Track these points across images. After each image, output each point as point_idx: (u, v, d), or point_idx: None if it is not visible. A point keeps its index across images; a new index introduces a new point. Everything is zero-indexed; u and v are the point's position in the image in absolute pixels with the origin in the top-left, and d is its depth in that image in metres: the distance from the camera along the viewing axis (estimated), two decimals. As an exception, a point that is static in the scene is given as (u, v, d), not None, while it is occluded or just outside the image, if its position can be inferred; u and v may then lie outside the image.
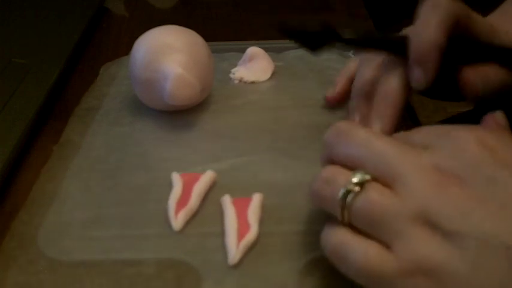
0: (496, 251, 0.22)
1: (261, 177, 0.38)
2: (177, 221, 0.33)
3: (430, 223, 0.24)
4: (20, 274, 0.31)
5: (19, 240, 0.33)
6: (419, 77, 0.33)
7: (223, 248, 0.32)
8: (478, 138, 0.25)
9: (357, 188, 0.26)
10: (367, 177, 0.26)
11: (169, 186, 0.36)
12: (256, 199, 0.34)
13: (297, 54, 0.54)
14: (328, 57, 0.53)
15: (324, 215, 0.34)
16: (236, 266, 0.31)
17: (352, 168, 0.27)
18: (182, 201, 0.34)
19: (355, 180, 0.26)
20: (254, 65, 0.50)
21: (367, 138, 0.27)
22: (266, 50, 0.51)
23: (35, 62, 0.50)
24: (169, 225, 0.34)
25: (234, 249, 0.31)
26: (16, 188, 0.38)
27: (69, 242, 0.33)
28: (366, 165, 0.26)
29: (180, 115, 0.44)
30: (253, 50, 0.50)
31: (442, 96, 0.37)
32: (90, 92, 0.48)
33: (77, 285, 0.30)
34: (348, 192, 0.26)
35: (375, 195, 0.25)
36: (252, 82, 0.50)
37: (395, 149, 0.26)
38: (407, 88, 0.34)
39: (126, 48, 0.52)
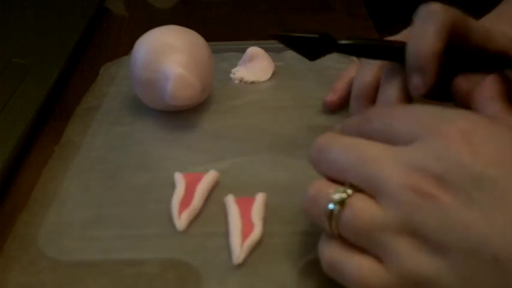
0: (484, 262, 0.22)
1: (262, 177, 0.38)
2: (181, 221, 0.33)
3: (416, 235, 0.24)
4: (22, 275, 0.31)
5: (20, 241, 0.33)
6: (418, 84, 0.34)
7: (226, 248, 0.32)
8: (465, 134, 0.24)
9: (338, 205, 0.25)
10: (349, 191, 0.25)
11: (170, 186, 0.36)
12: (260, 199, 0.34)
13: (297, 54, 0.54)
14: (329, 57, 0.53)
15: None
16: (239, 265, 0.31)
17: (339, 180, 0.26)
18: (185, 201, 0.34)
19: (336, 197, 0.26)
20: (254, 65, 0.50)
21: (346, 148, 0.27)
22: (266, 50, 0.51)
23: (35, 62, 0.50)
24: (171, 225, 0.34)
25: (238, 249, 0.31)
26: (16, 188, 0.38)
27: (69, 242, 0.33)
28: (349, 177, 0.26)
29: (181, 115, 0.44)
30: (253, 50, 0.50)
31: (439, 98, 0.37)
32: (90, 92, 0.48)
33: (78, 285, 0.30)
34: (333, 208, 0.26)
35: (358, 209, 0.25)
36: (252, 82, 0.50)
37: (376, 153, 0.26)
38: (407, 96, 0.35)
39: (126, 48, 0.52)
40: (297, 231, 0.33)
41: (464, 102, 0.34)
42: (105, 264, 0.31)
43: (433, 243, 0.23)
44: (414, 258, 0.24)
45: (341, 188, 0.26)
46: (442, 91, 0.36)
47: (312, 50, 0.37)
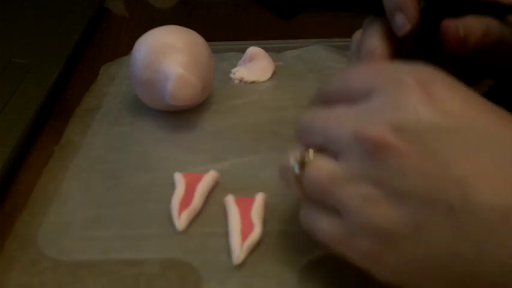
0: (438, 212, 0.22)
1: (262, 177, 0.38)
2: (181, 221, 0.33)
3: (371, 184, 0.24)
4: (22, 275, 0.31)
5: (20, 241, 0.33)
6: (401, 22, 0.32)
7: (226, 248, 0.32)
8: (423, 84, 0.24)
9: (299, 165, 0.27)
10: (311, 152, 0.27)
11: (170, 186, 0.36)
12: (260, 199, 0.34)
13: (297, 54, 0.54)
14: (329, 57, 0.53)
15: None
16: (239, 266, 0.31)
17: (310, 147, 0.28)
18: (185, 201, 0.34)
19: (299, 158, 0.27)
20: (254, 65, 0.50)
21: (314, 116, 0.28)
22: (266, 50, 0.51)
23: (35, 62, 0.50)
24: (171, 225, 0.34)
25: (238, 249, 0.31)
26: (16, 188, 0.38)
27: (69, 242, 0.33)
28: (316, 141, 0.27)
29: (181, 115, 0.44)
30: (253, 50, 0.50)
31: (430, 52, 0.35)
32: (90, 92, 0.48)
33: (78, 285, 0.30)
34: (296, 168, 0.27)
35: (317, 166, 0.26)
36: (252, 82, 0.50)
37: (336, 114, 0.26)
38: (390, 42, 0.33)
39: (126, 48, 0.52)
40: (297, 231, 0.33)
41: (454, 44, 0.32)
42: (105, 264, 0.31)
43: (389, 192, 0.23)
44: (369, 208, 0.24)
45: (305, 151, 0.27)
46: (430, 46, 0.34)
47: (288, 8, 0.35)
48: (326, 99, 0.29)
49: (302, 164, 0.27)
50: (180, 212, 0.34)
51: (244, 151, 0.40)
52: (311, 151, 0.27)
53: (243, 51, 0.51)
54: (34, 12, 0.61)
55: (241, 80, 0.50)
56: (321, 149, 0.27)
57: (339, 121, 0.26)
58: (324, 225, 0.26)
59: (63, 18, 0.60)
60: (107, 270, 0.31)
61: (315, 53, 0.54)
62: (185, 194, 0.35)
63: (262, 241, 0.32)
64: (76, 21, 0.59)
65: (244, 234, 0.32)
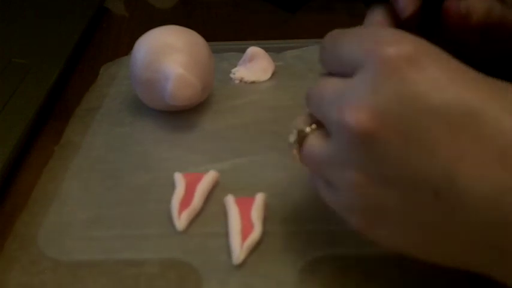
0: (425, 198, 0.22)
1: (262, 177, 0.38)
2: (181, 221, 0.33)
3: (358, 170, 0.24)
4: (22, 275, 0.31)
5: (20, 241, 0.33)
6: (404, 3, 0.30)
7: (226, 248, 0.32)
8: (408, 60, 0.23)
9: (297, 143, 0.28)
10: (307, 129, 0.27)
11: (170, 186, 0.36)
12: (260, 199, 0.34)
13: (297, 54, 0.54)
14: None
15: (325, 214, 0.35)
16: (239, 266, 0.31)
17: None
18: (185, 201, 0.34)
19: (301, 124, 0.28)
20: (254, 65, 0.50)
21: (314, 88, 0.27)
22: (266, 50, 0.51)
23: (35, 62, 0.50)
24: (171, 225, 0.34)
25: (238, 249, 0.31)
26: (16, 188, 0.38)
27: (69, 242, 0.33)
28: (316, 115, 0.27)
29: (181, 115, 0.44)
30: (253, 50, 0.50)
31: (432, 37, 0.34)
32: (91, 92, 0.48)
33: (78, 285, 0.30)
34: (295, 143, 0.28)
35: (310, 144, 0.27)
36: (253, 82, 0.50)
37: (328, 91, 0.26)
38: (393, 26, 0.32)
39: (126, 48, 0.52)
40: (297, 231, 0.33)
41: (455, 22, 0.31)
42: (105, 264, 0.31)
43: (374, 178, 0.24)
44: (357, 190, 0.24)
45: (306, 126, 0.27)
46: (431, 31, 0.33)
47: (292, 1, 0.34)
48: (326, 66, 0.28)
49: (301, 135, 0.27)
50: (180, 212, 0.34)
51: (244, 151, 0.40)
52: (308, 129, 0.27)
53: (243, 51, 0.51)
54: (34, 12, 0.61)
55: (241, 80, 0.50)
56: (319, 122, 0.27)
57: (330, 99, 0.25)
58: (323, 192, 0.27)
59: (63, 18, 0.60)
60: (107, 270, 0.31)
61: (315, 53, 0.53)
62: (185, 194, 0.35)
63: (262, 241, 0.32)
64: (76, 21, 0.59)
65: (244, 234, 0.32)
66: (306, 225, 0.34)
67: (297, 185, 0.37)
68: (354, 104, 0.24)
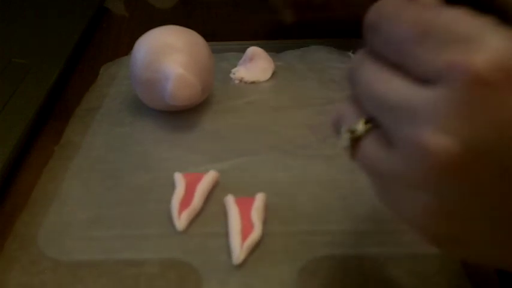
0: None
1: (262, 177, 0.38)
2: (181, 221, 0.33)
3: (440, 200, 0.20)
4: (22, 275, 0.31)
5: (20, 241, 0.33)
6: None
7: (226, 248, 0.32)
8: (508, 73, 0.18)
9: (351, 142, 0.23)
10: (361, 129, 0.22)
11: (170, 186, 0.36)
12: (260, 199, 0.34)
13: (297, 54, 0.54)
14: (329, 57, 0.53)
15: (325, 214, 0.35)
16: (239, 266, 0.31)
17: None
18: (185, 201, 0.34)
19: (350, 132, 0.23)
20: (254, 65, 0.50)
21: (367, 81, 0.22)
22: (266, 50, 0.51)
23: (35, 62, 0.50)
24: (171, 225, 0.34)
25: (238, 249, 0.31)
26: (16, 188, 0.38)
27: (69, 242, 0.33)
28: (368, 111, 0.22)
29: (181, 115, 0.44)
30: (253, 50, 0.50)
31: None
32: (91, 92, 0.48)
33: (78, 285, 0.30)
34: (347, 144, 0.23)
35: (365, 151, 0.22)
36: (253, 82, 0.50)
37: (395, 98, 0.20)
38: None
39: (126, 48, 0.52)
40: (297, 231, 0.33)
41: None
42: (105, 264, 0.31)
43: (458, 210, 0.20)
44: (435, 218, 0.20)
45: (359, 123, 0.22)
46: None
47: None
48: (376, 49, 0.22)
49: (353, 136, 0.22)
50: (180, 212, 0.34)
51: (244, 151, 0.40)
52: (361, 122, 0.22)
53: (243, 51, 0.51)
54: (34, 12, 0.61)
55: (241, 80, 0.50)
56: (371, 117, 0.22)
57: (398, 107, 0.20)
58: (395, 205, 0.22)
59: (63, 18, 0.60)
60: (107, 270, 0.31)
61: (315, 53, 0.54)
62: (185, 194, 0.35)
63: (263, 241, 0.32)
64: (76, 21, 0.59)
65: (244, 234, 0.32)
66: (306, 225, 0.34)
67: (297, 185, 0.37)
68: (437, 126, 0.19)
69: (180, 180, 0.36)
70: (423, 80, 0.20)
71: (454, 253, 0.23)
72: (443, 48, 0.19)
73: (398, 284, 0.30)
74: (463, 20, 0.19)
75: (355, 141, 0.22)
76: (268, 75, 0.50)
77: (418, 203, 0.20)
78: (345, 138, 0.23)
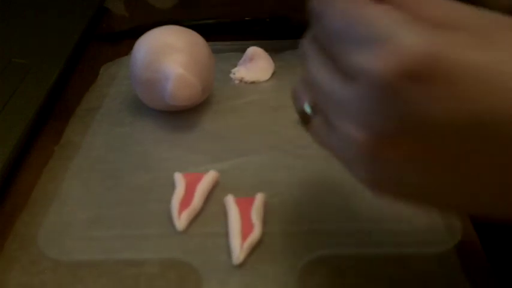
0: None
1: (262, 177, 0.38)
2: (181, 221, 0.33)
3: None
4: (22, 275, 0.31)
5: (20, 241, 0.33)
6: None
7: (226, 248, 0.32)
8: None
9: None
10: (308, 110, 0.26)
11: (170, 186, 0.36)
12: (259, 199, 0.34)
13: (297, 54, 0.54)
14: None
15: (325, 214, 0.35)
16: (239, 266, 0.31)
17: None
18: (185, 201, 0.34)
19: (306, 110, 0.26)
20: (254, 65, 0.50)
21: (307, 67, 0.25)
22: (266, 50, 0.51)
23: (35, 62, 0.50)
24: (171, 225, 0.34)
25: (238, 249, 0.31)
26: (16, 188, 0.38)
27: (69, 242, 0.33)
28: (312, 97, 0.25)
29: (181, 115, 0.44)
30: (253, 50, 0.50)
31: None
32: (91, 92, 0.48)
33: (78, 285, 0.30)
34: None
35: (315, 128, 0.25)
36: (253, 82, 0.50)
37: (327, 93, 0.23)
38: None
39: (126, 48, 0.52)
40: (297, 231, 0.33)
41: None
42: (105, 265, 0.31)
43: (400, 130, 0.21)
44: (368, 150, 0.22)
45: (307, 107, 0.26)
46: None
47: None
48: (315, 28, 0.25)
49: (303, 116, 0.26)
50: (180, 212, 0.34)
51: (244, 151, 0.40)
52: (308, 105, 0.25)
53: (243, 51, 0.51)
54: (34, 12, 0.61)
55: (241, 80, 0.50)
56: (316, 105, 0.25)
57: (328, 92, 0.23)
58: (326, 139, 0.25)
59: (63, 18, 0.60)
60: (107, 270, 0.31)
61: (315, 53, 0.54)
62: (185, 194, 0.35)
63: (262, 241, 0.32)
64: (76, 21, 0.59)
65: (244, 234, 0.32)
66: (306, 225, 0.34)
67: (297, 185, 0.37)
68: (355, 120, 0.22)
69: (180, 180, 0.36)
70: (348, 74, 0.22)
71: (428, 205, 0.25)
72: (362, 46, 0.21)
73: (398, 284, 0.30)
74: (384, 17, 0.21)
75: (307, 120, 0.26)
76: (268, 75, 0.50)
77: (362, 171, 0.23)
78: (298, 118, 0.26)
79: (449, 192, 0.22)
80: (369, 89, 0.21)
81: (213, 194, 0.36)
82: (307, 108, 0.26)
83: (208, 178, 0.36)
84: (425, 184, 0.22)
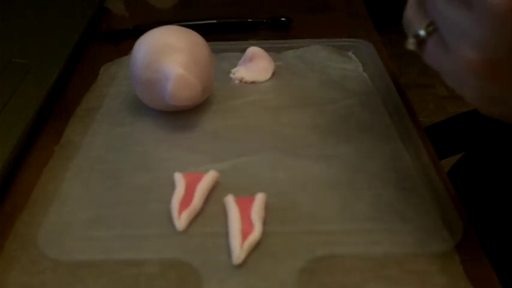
0: None
1: (262, 177, 0.38)
2: (181, 221, 0.34)
3: None
4: (22, 275, 0.31)
5: (20, 241, 0.33)
6: None
7: (226, 248, 0.32)
8: None
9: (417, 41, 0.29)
10: (422, 33, 0.28)
11: (170, 186, 0.36)
12: (260, 199, 0.34)
13: (297, 54, 0.54)
14: (329, 57, 0.53)
15: (325, 214, 0.35)
16: (239, 266, 0.31)
17: None
18: (185, 201, 0.34)
19: (421, 33, 0.29)
20: (254, 65, 0.50)
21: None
22: (266, 50, 0.51)
23: (35, 62, 0.50)
24: (171, 225, 0.34)
25: (238, 249, 0.31)
26: (16, 188, 0.38)
27: (69, 242, 0.33)
28: (431, 17, 0.28)
29: (181, 115, 0.44)
30: (253, 50, 0.50)
31: None
32: (91, 92, 0.48)
33: (78, 285, 0.30)
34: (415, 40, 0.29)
35: (429, 50, 0.28)
36: (253, 82, 0.50)
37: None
38: None
39: (126, 48, 0.52)
40: (297, 231, 0.33)
41: None
42: (105, 265, 0.31)
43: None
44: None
45: (422, 30, 0.29)
46: None
47: None
48: None
49: (417, 40, 0.29)
50: (180, 212, 0.34)
51: (244, 151, 0.40)
52: (424, 27, 0.28)
53: (243, 51, 0.51)
54: (34, 12, 0.61)
55: (241, 80, 0.50)
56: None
57: (451, 18, 0.26)
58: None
59: (63, 18, 0.60)
60: (107, 270, 0.31)
61: (315, 53, 0.54)
62: (185, 194, 0.35)
63: (263, 241, 0.32)
64: (76, 21, 0.59)
65: (244, 234, 0.32)
66: (306, 225, 0.34)
67: (297, 185, 0.37)
68: (472, 43, 0.26)
69: (180, 180, 0.36)
70: (472, 3, 0.25)
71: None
72: None
73: (398, 284, 0.30)
74: None
75: (420, 43, 0.29)
76: (268, 75, 0.50)
77: (469, 89, 0.27)
78: (411, 43, 0.29)
79: None
80: (487, 18, 0.24)
81: (213, 194, 0.36)
82: (422, 32, 0.29)
83: (208, 178, 0.36)
84: None
